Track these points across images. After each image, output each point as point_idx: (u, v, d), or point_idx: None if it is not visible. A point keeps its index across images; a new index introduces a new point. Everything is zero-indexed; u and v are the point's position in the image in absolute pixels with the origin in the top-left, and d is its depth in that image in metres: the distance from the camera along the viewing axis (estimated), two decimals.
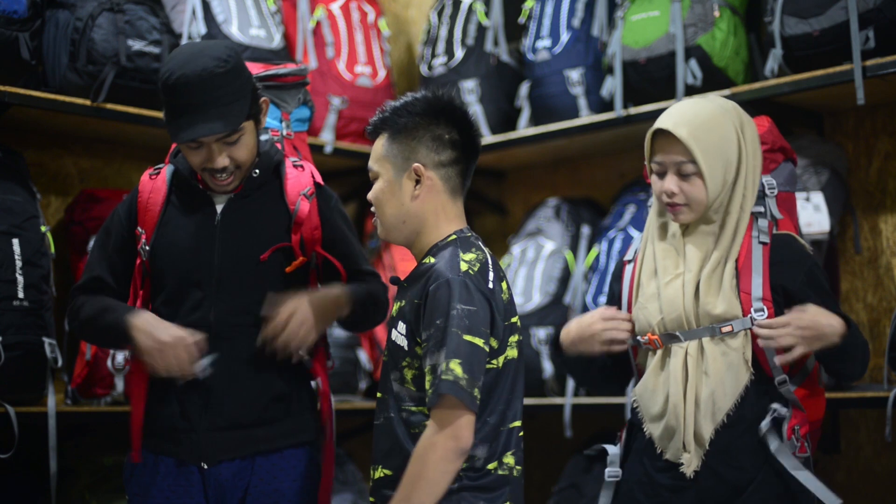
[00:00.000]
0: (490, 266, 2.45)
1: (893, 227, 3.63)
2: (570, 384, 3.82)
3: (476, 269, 2.42)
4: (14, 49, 3.35)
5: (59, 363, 3.27)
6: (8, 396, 3.17)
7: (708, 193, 2.58)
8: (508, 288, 2.50)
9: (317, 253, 2.75)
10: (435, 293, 2.38)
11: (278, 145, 2.88)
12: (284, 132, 2.95)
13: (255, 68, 2.86)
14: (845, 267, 3.68)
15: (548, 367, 3.86)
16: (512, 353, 2.46)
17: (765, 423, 2.54)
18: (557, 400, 3.85)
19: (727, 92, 3.54)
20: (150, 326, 2.62)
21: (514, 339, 2.47)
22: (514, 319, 2.48)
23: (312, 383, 2.83)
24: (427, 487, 2.34)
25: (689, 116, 2.61)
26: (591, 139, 4.08)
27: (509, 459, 2.44)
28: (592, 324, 2.68)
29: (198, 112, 2.59)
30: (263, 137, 2.82)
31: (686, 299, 2.58)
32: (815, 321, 2.51)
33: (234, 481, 2.67)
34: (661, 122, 2.62)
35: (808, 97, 3.54)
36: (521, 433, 2.51)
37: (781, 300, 2.58)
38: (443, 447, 2.33)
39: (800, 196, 3.40)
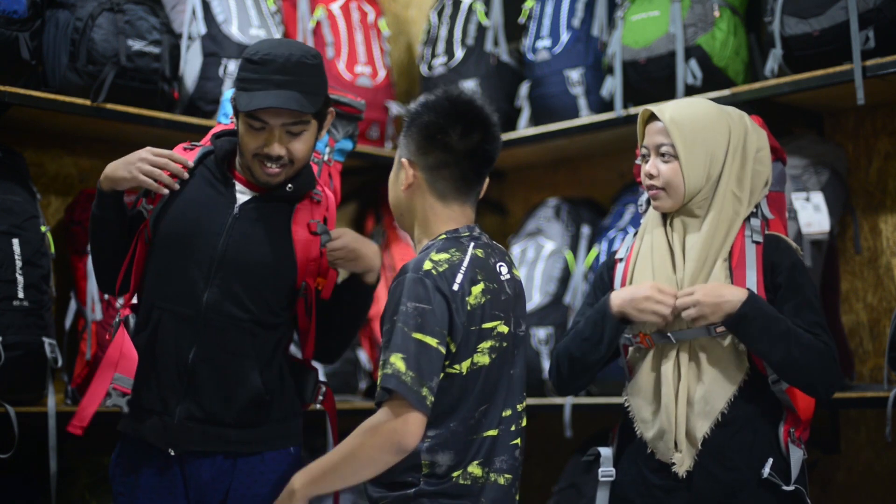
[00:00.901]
0: (463, 268, 2.38)
1: (893, 227, 3.63)
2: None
3: (442, 269, 2.36)
4: (14, 49, 3.34)
5: (59, 363, 3.27)
6: (8, 396, 3.17)
7: (685, 180, 2.60)
8: (489, 292, 2.40)
9: (307, 283, 2.73)
10: (393, 290, 2.36)
11: (315, 167, 2.88)
12: (326, 157, 2.95)
13: None
14: (845, 267, 3.68)
15: (548, 367, 3.85)
16: (482, 359, 2.38)
17: (766, 471, 2.53)
18: (557, 400, 3.85)
19: (727, 92, 3.54)
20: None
21: (486, 345, 2.38)
22: (489, 325, 2.39)
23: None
24: (354, 465, 2.33)
25: (680, 105, 2.66)
26: (591, 139, 4.08)
27: (475, 469, 2.36)
28: (645, 294, 2.57)
29: (277, 88, 2.60)
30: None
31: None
32: (717, 289, 2.51)
33: (213, 484, 2.65)
34: (652, 106, 2.66)
35: (808, 97, 3.54)
36: (516, 441, 2.43)
37: (774, 299, 2.59)
38: (384, 437, 2.30)
39: (800, 196, 3.40)
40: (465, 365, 2.36)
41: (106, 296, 3.50)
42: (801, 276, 2.60)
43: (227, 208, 2.70)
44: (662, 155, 2.63)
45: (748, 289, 2.54)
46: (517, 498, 2.50)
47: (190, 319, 2.64)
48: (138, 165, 2.69)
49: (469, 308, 2.36)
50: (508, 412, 2.43)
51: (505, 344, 2.42)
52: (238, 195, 2.72)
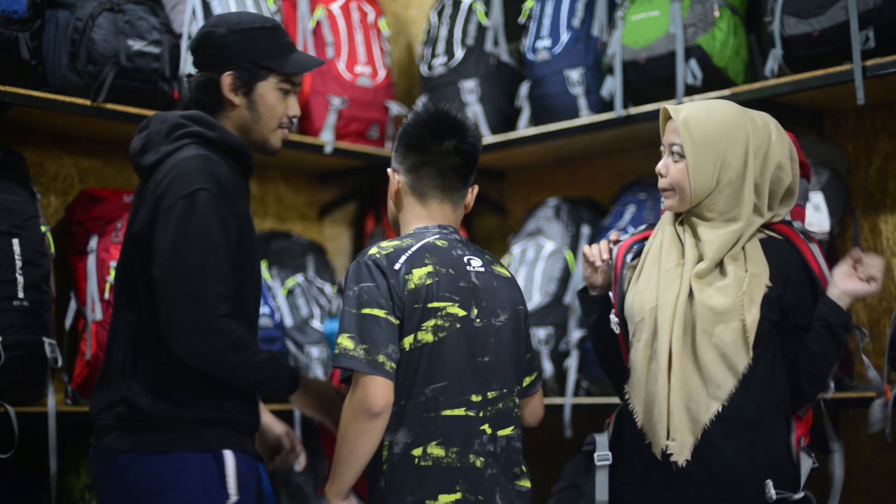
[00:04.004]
0: (410, 251, 2.53)
1: (893, 227, 3.63)
2: (570, 384, 3.82)
3: (386, 252, 2.53)
4: (14, 49, 3.34)
5: (59, 363, 3.27)
6: (8, 396, 3.17)
7: (691, 182, 2.60)
8: (437, 275, 2.53)
9: None
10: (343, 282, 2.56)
11: None
12: None
13: None
14: None
15: (548, 367, 3.86)
16: (426, 336, 2.51)
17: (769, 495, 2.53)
18: (557, 400, 3.85)
19: (727, 92, 3.54)
20: None
21: (429, 323, 2.51)
22: (435, 305, 2.52)
23: None
24: (347, 446, 2.47)
25: (698, 107, 2.67)
26: (591, 139, 4.08)
27: (436, 450, 2.48)
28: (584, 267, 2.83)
29: (295, 49, 2.73)
30: None
31: (682, 289, 2.57)
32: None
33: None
34: (671, 106, 2.68)
35: (808, 97, 3.54)
36: (484, 426, 2.53)
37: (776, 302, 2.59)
38: (353, 409, 2.45)
39: None
40: (408, 341, 2.51)
41: (106, 296, 3.50)
42: (805, 283, 2.65)
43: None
44: (674, 154, 2.65)
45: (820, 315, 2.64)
46: (518, 485, 2.58)
47: None
48: None
49: (413, 286, 2.51)
50: (478, 398, 2.54)
51: (458, 325, 2.54)
52: None
